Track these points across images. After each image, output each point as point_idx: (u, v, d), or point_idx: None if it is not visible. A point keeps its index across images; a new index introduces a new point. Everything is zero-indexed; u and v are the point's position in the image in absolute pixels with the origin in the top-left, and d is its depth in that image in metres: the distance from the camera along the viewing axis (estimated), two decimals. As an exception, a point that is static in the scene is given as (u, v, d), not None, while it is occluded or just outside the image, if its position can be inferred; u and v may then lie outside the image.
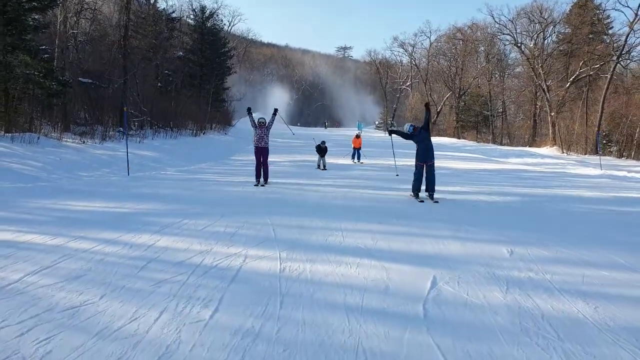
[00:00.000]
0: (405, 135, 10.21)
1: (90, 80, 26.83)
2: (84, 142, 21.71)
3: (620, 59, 37.95)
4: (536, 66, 45.34)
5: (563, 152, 37.25)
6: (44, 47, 23.38)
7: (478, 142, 49.44)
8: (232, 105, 48.69)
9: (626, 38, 37.51)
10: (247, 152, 21.44)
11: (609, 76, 36.78)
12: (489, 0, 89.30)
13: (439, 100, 61.67)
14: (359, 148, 21.67)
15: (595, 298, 4.19)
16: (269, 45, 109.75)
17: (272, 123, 12.20)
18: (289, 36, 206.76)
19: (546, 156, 32.90)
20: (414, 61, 68.31)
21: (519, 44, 49.10)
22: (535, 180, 16.11)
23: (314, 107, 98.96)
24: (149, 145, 24.90)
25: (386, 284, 4.46)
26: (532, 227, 7.32)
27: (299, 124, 74.63)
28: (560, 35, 47.13)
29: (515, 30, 48.96)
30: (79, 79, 26.05)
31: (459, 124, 56.62)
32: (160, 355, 2.98)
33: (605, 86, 36.46)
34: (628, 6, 38.03)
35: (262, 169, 11.92)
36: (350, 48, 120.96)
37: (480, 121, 55.73)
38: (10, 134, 18.13)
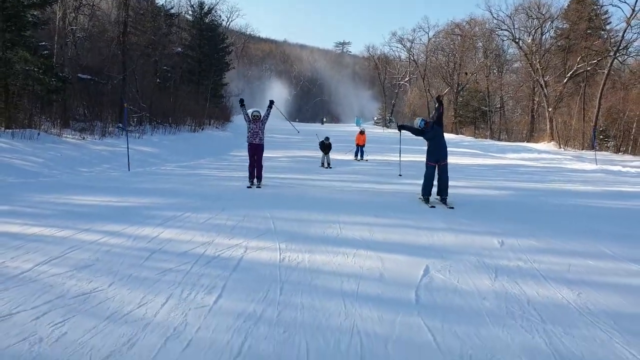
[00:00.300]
0: (415, 132, 9.03)
1: (89, 77, 26.98)
2: (83, 138, 21.88)
3: (618, 55, 38.11)
4: (534, 62, 45.49)
5: (560, 148, 37.50)
6: (43, 43, 23.50)
7: (476, 137, 49.68)
8: (230, 101, 48.83)
9: (623, 33, 37.67)
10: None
11: (606, 72, 36.97)
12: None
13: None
14: (363, 145, 20.67)
15: (579, 285, 4.41)
16: (267, 40, 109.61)
17: (268, 117, 10.99)
18: (287, 31, 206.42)
19: (543, 151, 33.17)
20: (413, 57, 68.38)
21: (516, 40, 49.22)
22: (530, 175, 16.34)
23: (312, 102, 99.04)
24: (148, 141, 25.08)
25: (381, 272, 4.68)
26: (525, 219, 7.54)
27: (297, 120, 74.67)
28: (558, 30, 47.28)
29: (513, 26, 49.10)
30: (78, 75, 26.19)
31: (457, 120, 56.83)
32: (169, 336, 3.19)
33: (603, 82, 36.67)
34: (625, 2, 38.23)
35: (256, 169, 10.88)
36: (348, 43, 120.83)
37: (478, 117, 55.91)
38: (10, 130, 18.30)
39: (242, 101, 11.34)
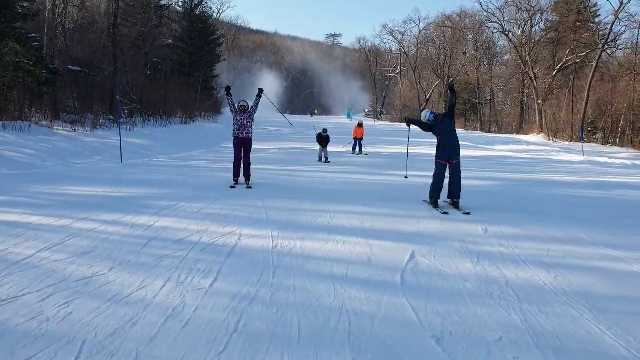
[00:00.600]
0: (424, 126, 8.05)
1: (79, 68, 26.86)
2: (75, 130, 21.84)
3: (606, 47, 38.51)
4: (524, 54, 45.82)
5: (549, 140, 37.93)
6: (33, 35, 23.36)
7: (466, 129, 50.03)
8: (221, 92, 48.73)
9: (611, 26, 38.03)
10: None
11: (594, 64, 37.34)
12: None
13: (428, 88, 62.15)
14: (361, 138, 19.84)
15: (556, 268, 4.66)
16: (258, 32, 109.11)
17: (257, 107, 10.04)
18: (278, 23, 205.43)
19: (532, 143, 33.58)
20: (403, 49, 68.55)
21: (506, 32, 49.50)
22: (518, 166, 16.65)
23: (303, 95, 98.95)
24: (139, 133, 25.07)
25: (369, 257, 4.91)
26: (509, 208, 7.81)
27: (288, 112, 74.67)
28: (547, 23, 47.60)
29: (503, 18, 49.35)
30: (68, 67, 26.07)
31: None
32: (168, 316, 3.39)
33: (591, 74, 37.05)
34: (613, -6, 38.53)
35: (242, 166, 9.87)
36: (339, 35, 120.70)
37: (468, 109, 56.26)
38: (1, 122, 18.26)
39: (228, 89, 10.29)
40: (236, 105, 9.78)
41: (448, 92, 8.34)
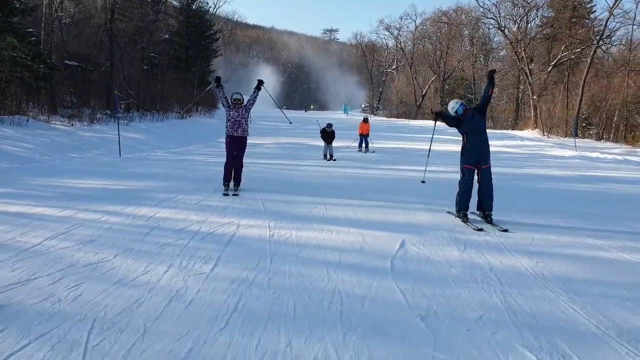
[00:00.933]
0: (450, 120, 6.88)
1: (76, 63, 26.93)
2: (72, 124, 21.97)
3: (601, 44, 38.79)
4: (519, 50, 46.07)
5: (544, 135, 38.23)
6: (30, 30, 23.43)
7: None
8: (211, 85, 48.83)
9: (606, 22, 38.32)
10: None
11: (589, 60, 37.63)
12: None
13: (424, 83, 62.39)
14: (367, 135, 19.00)
15: (539, 256, 4.92)
16: (254, 27, 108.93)
17: (254, 101, 8.73)
18: (275, 18, 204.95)
19: (526, 139, 33.87)
20: (400, 44, 68.78)
21: (502, 28, 49.73)
22: (511, 161, 16.92)
23: (300, 90, 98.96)
24: (136, 128, 25.21)
25: (361, 245, 5.16)
26: (498, 200, 8.02)
27: (285, 107, 74.72)
28: (543, 19, 47.82)
29: (499, 14, 49.56)
30: (65, 61, 26.15)
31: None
32: (172, 297, 3.62)
33: (586, 70, 37.34)
34: (608, -9, 38.76)
35: (234, 169, 8.53)
36: (336, 30, 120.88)
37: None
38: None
39: (218, 80, 8.96)
40: (229, 99, 8.52)
41: (487, 81, 6.95)
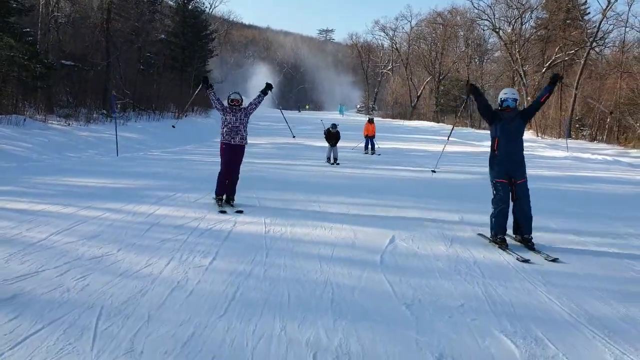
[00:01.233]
0: (483, 105, 5.77)
1: (72, 63, 27.07)
2: (69, 124, 22.12)
3: (594, 46, 39.21)
4: (513, 51, 46.44)
5: (538, 136, 38.62)
6: (27, 29, 23.56)
7: (456, 126, 50.59)
8: (214, 87, 48.98)
9: (599, 25, 38.74)
10: None
11: (582, 62, 38.04)
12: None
13: (419, 84, 62.76)
14: (373, 136, 18.28)
15: (521, 251, 5.17)
16: (250, 27, 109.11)
17: (257, 106, 7.49)
18: (271, 18, 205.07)
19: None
20: (395, 45, 69.12)
21: (497, 29, 50.10)
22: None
23: (295, 90, 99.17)
24: (132, 128, 25.36)
25: (353, 241, 5.41)
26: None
27: (281, 108, 74.83)
28: (538, 20, 48.23)
29: (494, 16, 49.93)
30: (61, 61, 26.28)
31: (439, 108, 57.77)
32: (174, 287, 3.85)
33: (579, 72, 37.75)
34: (601, -7, 39.22)
35: (229, 181, 7.33)
36: (332, 31, 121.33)
37: (459, 105, 56.91)
38: (-3, 116, 18.54)
39: (205, 80, 7.81)
40: (227, 99, 7.48)
41: (549, 82, 5.86)
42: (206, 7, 49.67)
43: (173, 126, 8.12)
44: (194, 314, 3.38)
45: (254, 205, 7.28)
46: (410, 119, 56.09)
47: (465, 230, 6.01)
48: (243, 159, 7.51)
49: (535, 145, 28.88)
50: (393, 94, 67.85)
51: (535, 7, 47.70)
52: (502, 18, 50.08)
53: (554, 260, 4.88)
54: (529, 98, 43.57)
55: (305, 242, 5.32)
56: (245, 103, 7.57)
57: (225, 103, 7.51)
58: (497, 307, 3.65)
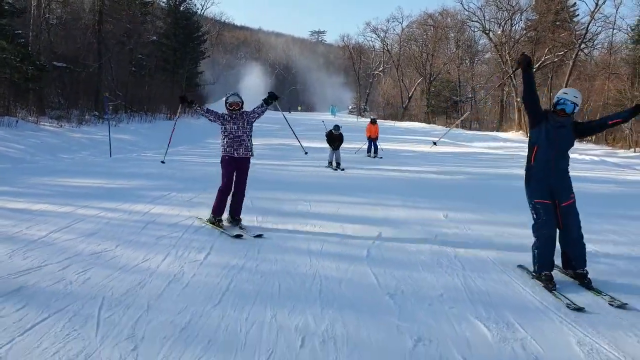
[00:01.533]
0: (532, 96, 4.63)
1: (64, 65, 27.11)
2: (61, 125, 22.20)
3: (583, 47, 39.78)
4: (504, 53, 46.96)
5: (527, 137, 39.07)
6: (19, 31, 23.61)
7: (447, 127, 51.06)
8: (205, 89, 49.12)
9: (587, 26, 39.35)
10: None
11: (571, 63, 38.60)
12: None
13: (410, 85, 63.23)
14: (376, 138, 17.18)
15: (501, 246, 5.45)
16: (242, 28, 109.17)
17: (260, 116, 6.40)
18: (262, 19, 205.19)
19: (509, 140, 34.66)
20: (386, 47, 69.53)
21: (487, 31, 50.62)
22: (492, 162, 17.55)
23: (287, 91, 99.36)
24: (125, 129, 25.46)
25: (341, 237, 5.66)
26: (471, 198, 8.62)
27: (284, 111, 74.97)
28: (528, 22, 48.79)
29: (484, 17, 50.44)
30: (53, 63, 26.33)
31: (430, 109, 58.24)
32: (171, 280, 4.07)
33: (568, 73, 38.30)
34: (589, -4, 39.82)
35: (233, 197, 6.34)
36: (323, 32, 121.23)
37: (450, 106, 57.43)
38: (-11, 118, 18.60)
39: (184, 99, 6.49)
40: (224, 106, 6.25)
41: (630, 111, 4.46)
42: (198, 9, 49.81)
43: (162, 162, 7.74)
44: (190, 303, 3.60)
45: (247, 204, 7.47)
46: (401, 120, 56.48)
47: (449, 227, 6.27)
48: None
49: (524, 146, 29.29)
50: (384, 95, 68.28)
51: (524, 8, 48.29)
52: (492, 20, 50.64)
53: (622, 306, 3.76)
54: (518, 99, 44.10)
55: (295, 239, 5.56)
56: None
57: (221, 110, 6.48)
58: (474, 296, 3.91)
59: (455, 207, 7.55)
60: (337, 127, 14.40)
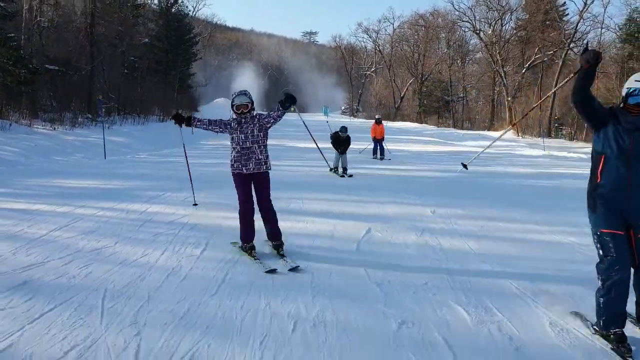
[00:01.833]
0: (590, 107, 3.33)
1: (56, 67, 27.17)
2: (54, 128, 22.27)
3: (572, 46, 40.25)
4: (494, 52, 47.40)
5: (518, 136, 39.48)
6: (11, 35, 23.65)
7: (439, 126, 51.46)
8: (197, 90, 49.25)
9: (576, 26, 39.86)
10: (215, 136, 21.28)
11: (560, 62, 39.06)
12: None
13: (402, 85, 63.63)
14: (382, 139, 16.54)
15: (484, 240, 5.69)
16: (233, 29, 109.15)
17: (276, 121, 5.36)
18: (254, 20, 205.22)
19: (500, 139, 35.05)
20: (378, 47, 69.91)
21: (477, 31, 51.05)
22: (482, 160, 17.76)
23: (280, 92, 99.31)
24: (118, 131, 25.55)
25: (332, 232, 5.89)
26: (459, 195, 8.87)
27: (265, 109, 75.18)
28: (518, 21, 49.25)
29: (475, 17, 50.86)
30: (45, 65, 26.38)
31: (422, 109, 58.63)
32: (169, 273, 4.29)
33: (558, 72, 38.75)
34: (577, -5, 40.32)
35: (265, 216, 5.24)
36: (315, 33, 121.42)
37: (442, 106, 57.85)
38: (-18, 121, 18.67)
39: (178, 118, 5.51)
40: (224, 119, 5.39)
41: None
42: (189, 11, 49.91)
43: (195, 204, 7.11)
44: (188, 294, 3.82)
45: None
46: (394, 120, 56.82)
47: (436, 222, 6.52)
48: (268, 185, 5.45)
49: (514, 145, 29.66)
50: (377, 95, 68.61)
51: (514, 8, 48.72)
52: (482, 20, 51.06)
53: None
54: (509, 98, 44.58)
55: (288, 234, 5.73)
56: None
57: (228, 115, 5.52)
58: (456, 284, 4.15)
59: (443, 204, 7.80)
60: (344, 128, 12.85)
